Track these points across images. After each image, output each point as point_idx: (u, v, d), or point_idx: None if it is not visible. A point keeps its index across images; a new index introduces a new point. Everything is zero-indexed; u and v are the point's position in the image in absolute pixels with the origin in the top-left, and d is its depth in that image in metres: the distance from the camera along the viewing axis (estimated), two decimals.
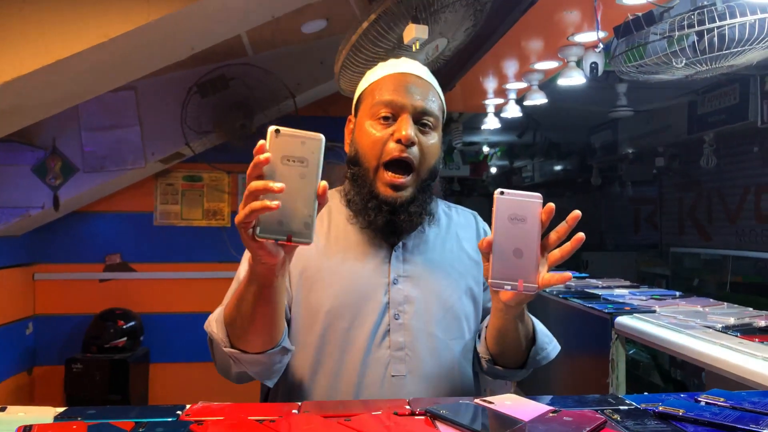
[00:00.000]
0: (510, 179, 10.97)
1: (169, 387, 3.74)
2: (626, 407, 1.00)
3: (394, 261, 1.25)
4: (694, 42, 1.75)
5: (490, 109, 3.85)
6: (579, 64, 2.60)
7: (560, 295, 2.55)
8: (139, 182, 3.65)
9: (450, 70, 3.00)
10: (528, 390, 1.01)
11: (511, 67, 2.94)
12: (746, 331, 1.71)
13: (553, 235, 1.01)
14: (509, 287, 0.98)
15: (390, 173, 1.20)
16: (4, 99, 1.77)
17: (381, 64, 1.31)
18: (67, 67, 1.72)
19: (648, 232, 8.18)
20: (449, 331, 1.25)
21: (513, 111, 3.46)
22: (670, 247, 6.80)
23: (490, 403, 0.99)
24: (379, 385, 1.19)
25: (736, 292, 5.35)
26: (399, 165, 1.20)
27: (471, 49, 2.53)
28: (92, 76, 1.99)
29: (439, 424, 0.92)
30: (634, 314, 2.06)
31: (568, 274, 1.01)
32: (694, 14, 1.72)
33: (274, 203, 0.86)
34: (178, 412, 1.00)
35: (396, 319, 1.22)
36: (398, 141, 1.18)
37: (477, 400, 1.00)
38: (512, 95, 3.41)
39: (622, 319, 2.02)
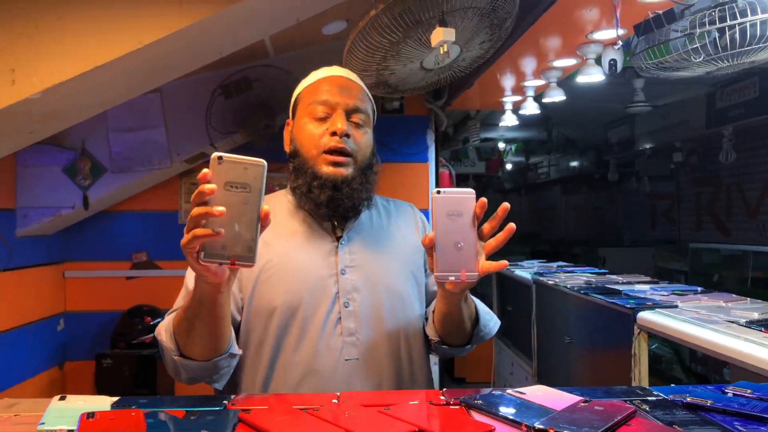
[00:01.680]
0: (525, 175, 10.96)
1: None
2: (654, 398, 1.04)
3: (340, 252, 1.34)
4: (715, 38, 1.77)
5: (508, 107, 3.87)
6: (598, 61, 2.62)
7: (581, 291, 2.58)
8: (165, 182, 3.72)
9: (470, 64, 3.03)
10: (550, 383, 1.05)
11: (529, 64, 2.97)
12: None
13: (486, 226, 1.11)
14: (453, 278, 1.07)
15: (331, 155, 1.30)
16: (45, 104, 1.83)
17: (314, 72, 1.42)
18: (103, 73, 1.78)
19: (665, 228, 8.15)
20: (396, 315, 1.34)
21: (531, 108, 3.49)
22: (689, 243, 6.77)
23: (522, 393, 1.04)
24: (333, 370, 1.27)
25: (757, 288, 5.32)
26: (338, 151, 1.31)
27: None
28: (126, 81, 2.06)
29: (474, 414, 0.96)
30: (657, 309, 2.08)
31: (504, 262, 1.09)
32: (715, 11, 1.74)
33: (218, 230, 0.92)
34: (224, 402, 1.05)
35: (346, 306, 1.30)
36: (333, 133, 1.30)
37: (509, 391, 1.05)
38: (530, 92, 3.44)
39: (645, 314, 2.05)
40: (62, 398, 1.01)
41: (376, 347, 1.31)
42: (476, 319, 1.35)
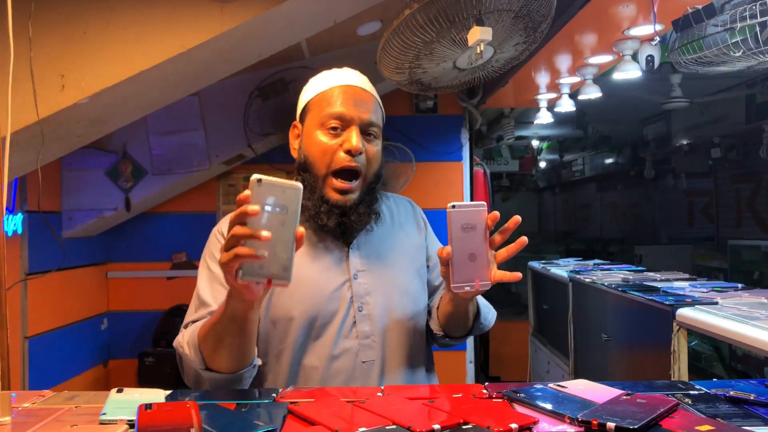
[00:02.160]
0: (559, 173, 10.85)
1: None
2: (696, 392, 1.04)
3: (351, 258, 1.36)
4: (756, 32, 1.75)
5: (543, 104, 3.85)
6: (635, 57, 2.60)
7: (619, 288, 2.56)
8: (203, 183, 3.80)
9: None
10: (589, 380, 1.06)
11: (564, 62, 2.95)
12: None
13: (497, 237, 1.17)
14: (468, 287, 1.15)
15: (339, 180, 1.30)
16: (93, 109, 1.90)
17: (325, 74, 1.39)
18: (148, 77, 1.84)
19: (703, 225, 7.98)
20: (406, 313, 1.38)
21: (566, 105, 3.46)
22: (728, 240, 6.63)
23: (564, 387, 1.05)
24: (351, 372, 1.30)
25: None
26: (347, 173, 1.31)
27: None
28: (169, 85, 2.12)
29: (516, 407, 0.98)
30: (696, 306, 2.06)
31: (518, 274, 1.14)
32: (756, 4, 1.72)
33: (261, 252, 0.93)
34: (273, 395, 1.09)
35: (360, 310, 1.33)
36: (347, 151, 1.28)
37: (551, 385, 1.06)
38: (566, 90, 3.41)
39: (684, 311, 2.02)
40: (119, 391, 1.06)
41: (390, 347, 1.35)
42: (477, 312, 1.39)
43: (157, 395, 1.06)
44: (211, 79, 2.34)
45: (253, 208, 0.92)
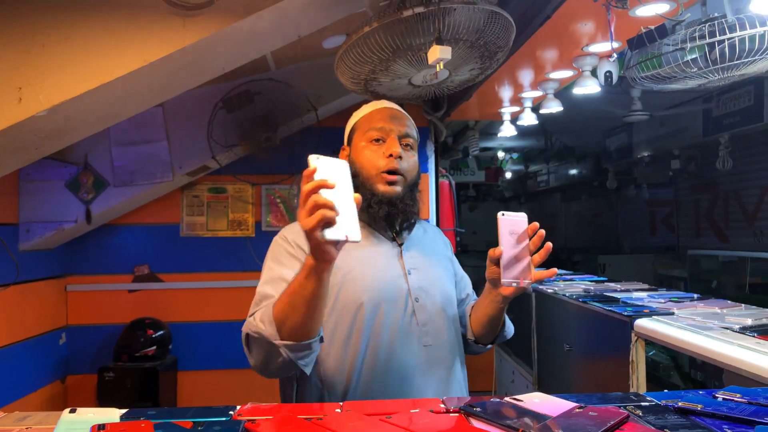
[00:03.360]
0: (525, 184, 11.00)
1: (196, 394, 3.83)
2: (647, 403, 1.07)
3: (405, 257, 1.56)
4: (705, 53, 1.81)
5: (506, 117, 3.92)
6: (594, 72, 2.66)
7: (580, 299, 2.61)
8: (166, 195, 3.75)
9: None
10: (551, 391, 1.08)
11: (526, 77, 3.01)
12: (764, 332, 1.77)
13: (532, 246, 1.36)
14: (515, 283, 1.33)
15: (386, 174, 1.51)
16: (51, 122, 1.87)
17: (365, 105, 1.63)
18: (109, 90, 1.81)
19: (665, 235, 8.17)
20: (448, 311, 1.57)
21: (529, 119, 3.53)
22: (688, 250, 6.80)
23: (520, 401, 1.07)
24: (414, 354, 1.46)
25: (756, 294, 5.35)
26: (392, 172, 1.52)
27: None
28: (131, 98, 2.09)
29: (473, 421, 1.00)
30: (653, 316, 2.11)
31: (554, 269, 1.37)
32: (705, 26, 1.78)
33: (335, 212, 1.09)
34: (231, 412, 1.08)
35: (417, 301, 1.51)
36: (389, 156, 1.51)
37: (507, 399, 1.08)
38: (528, 103, 3.48)
39: (642, 322, 2.07)
40: (72, 411, 1.04)
41: (443, 335, 1.52)
42: (503, 323, 1.59)
43: (111, 415, 1.04)
44: (175, 92, 2.32)
45: (332, 182, 1.09)
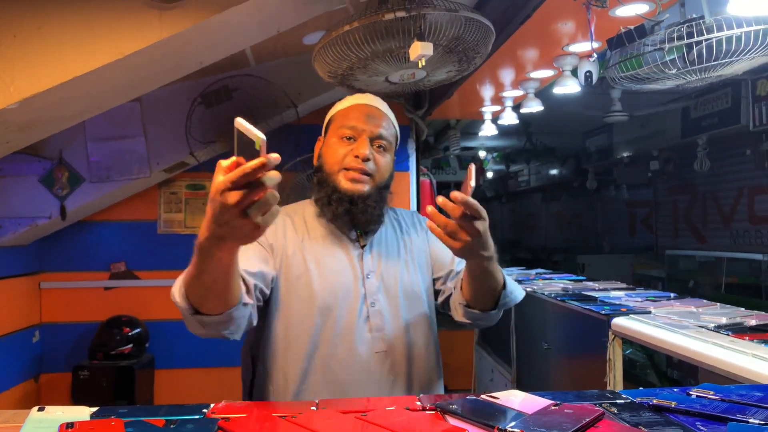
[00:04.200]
0: (506, 183, 11.06)
1: (173, 392, 3.79)
2: (623, 401, 1.07)
3: (365, 260, 1.52)
4: (684, 53, 1.83)
5: (487, 116, 3.93)
6: (574, 72, 2.68)
7: (558, 298, 2.62)
8: (143, 191, 3.70)
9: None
10: (529, 390, 1.08)
11: (507, 76, 3.02)
12: (737, 330, 1.79)
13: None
14: None
15: (350, 172, 1.48)
16: (23, 114, 1.83)
17: (348, 98, 1.60)
18: (82, 83, 1.78)
19: (643, 235, 8.26)
20: (412, 311, 1.53)
21: (510, 118, 3.54)
22: (666, 250, 6.89)
23: (496, 398, 1.06)
24: (367, 361, 1.44)
25: (731, 293, 5.43)
26: (356, 171, 1.48)
27: None
28: (106, 91, 2.06)
29: (449, 418, 0.99)
30: (630, 315, 2.12)
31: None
32: (683, 27, 1.80)
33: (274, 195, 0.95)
34: (204, 410, 1.06)
35: (372, 306, 1.48)
36: (356, 156, 1.47)
37: (483, 396, 1.07)
38: (509, 103, 3.49)
39: (619, 320, 2.09)
40: (41, 409, 1.01)
41: (399, 340, 1.49)
42: (503, 285, 1.46)
43: (81, 413, 1.02)
44: (151, 86, 2.28)
45: (273, 158, 0.90)
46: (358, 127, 1.50)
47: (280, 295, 1.46)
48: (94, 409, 1.06)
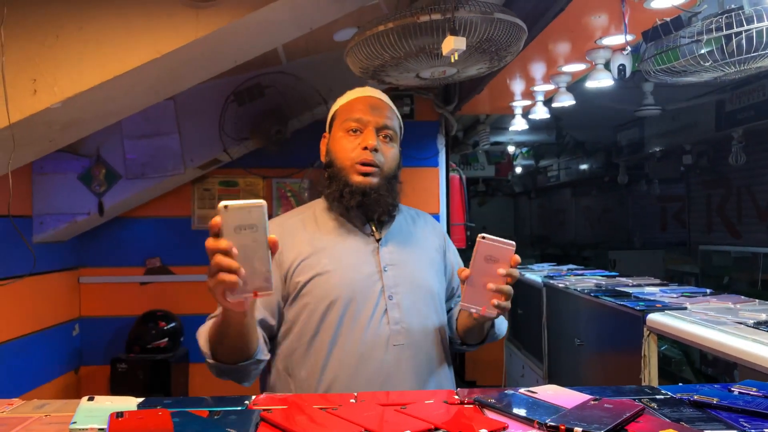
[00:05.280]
0: (535, 178, 10.97)
1: (207, 385, 3.85)
2: (662, 396, 1.06)
3: (382, 253, 1.51)
4: (722, 45, 1.80)
5: (518, 111, 3.90)
6: (607, 66, 2.65)
7: (592, 294, 2.60)
8: (178, 188, 3.76)
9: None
10: (563, 386, 1.08)
11: (538, 70, 3.00)
12: None
13: (509, 278, 1.31)
14: (474, 310, 1.29)
15: (361, 166, 1.48)
16: (66, 113, 1.88)
17: (349, 92, 1.59)
18: (122, 82, 1.82)
19: (676, 230, 8.12)
20: (428, 306, 1.53)
21: (541, 112, 3.51)
22: (699, 245, 6.76)
23: (534, 393, 1.06)
24: (383, 354, 1.44)
25: None
26: (366, 164, 1.48)
27: None
28: (143, 89, 2.10)
29: (487, 412, 1.00)
30: (666, 311, 2.10)
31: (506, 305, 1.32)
32: (722, 18, 1.77)
33: (242, 272, 1.04)
34: (246, 402, 1.09)
35: (390, 299, 1.48)
36: (365, 148, 1.47)
37: (521, 390, 1.08)
38: (540, 97, 3.46)
39: (654, 316, 2.06)
40: (90, 399, 1.05)
41: (417, 334, 1.48)
42: (492, 323, 1.53)
43: (128, 403, 1.05)
44: (187, 84, 2.32)
45: (226, 244, 1.02)
46: (363, 118, 1.50)
47: (299, 297, 1.46)
48: (140, 399, 1.09)
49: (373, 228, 1.54)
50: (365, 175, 1.47)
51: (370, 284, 1.47)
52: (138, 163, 3.33)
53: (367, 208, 1.49)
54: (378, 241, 1.53)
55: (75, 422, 0.94)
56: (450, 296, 1.65)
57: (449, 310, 1.63)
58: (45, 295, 3.33)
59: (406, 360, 1.45)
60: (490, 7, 1.60)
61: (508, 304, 1.31)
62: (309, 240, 1.49)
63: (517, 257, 1.29)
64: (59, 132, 2.10)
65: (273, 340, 1.48)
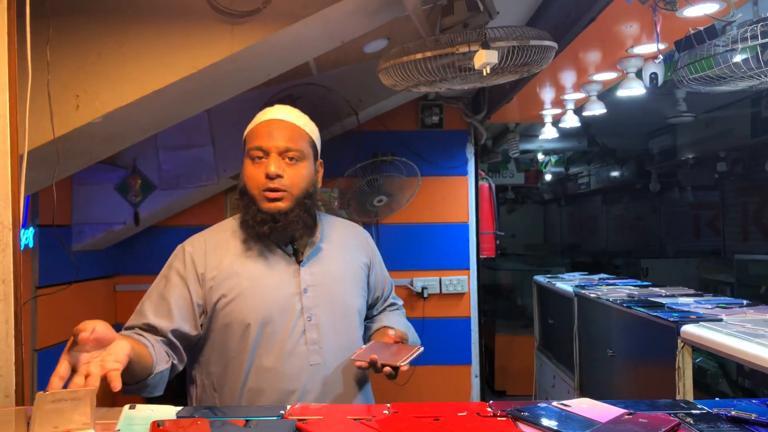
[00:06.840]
0: (565, 186, 10.85)
1: None
2: (698, 411, 1.06)
3: (302, 274, 1.56)
4: (757, 53, 1.78)
5: (548, 119, 3.88)
6: (638, 74, 2.63)
7: (624, 304, 2.57)
8: (211, 198, 3.83)
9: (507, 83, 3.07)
10: (593, 397, 1.07)
11: (569, 79, 2.99)
12: None
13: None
14: (361, 362, 1.42)
15: (268, 192, 1.51)
16: (107, 127, 1.94)
17: (258, 114, 1.62)
18: (160, 96, 1.88)
19: (710, 239, 7.95)
20: (347, 325, 1.60)
21: (571, 121, 3.49)
22: (735, 254, 6.61)
23: (567, 406, 1.07)
24: (300, 373, 1.50)
25: None
26: (272, 191, 1.52)
27: None
28: (180, 103, 2.16)
29: (521, 425, 1.00)
30: (701, 323, 2.07)
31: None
32: (757, 26, 1.75)
33: None
34: (281, 411, 1.11)
35: (309, 320, 1.53)
36: (266, 176, 1.50)
37: (555, 403, 1.08)
38: (570, 105, 3.44)
39: (689, 328, 2.04)
40: (132, 407, 1.09)
41: (334, 353, 1.55)
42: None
43: (168, 412, 1.08)
44: (222, 98, 2.38)
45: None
46: (264, 146, 1.52)
47: (219, 315, 1.51)
48: (179, 408, 1.12)
49: (295, 249, 1.58)
50: (273, 201, 1.51)
51: (288, 306, 1.52)
52: (172, 174, 3.40)
53: (279, 233, 1.53)
54: (299, 262, 1.57)
55: (119, 429, 0.97)
56: (373, 304, 1.76)
57: (371, 318, 1.76)
58: (84, 302, 3.41)
59: (321, 378, 1.51)
60: (524, 32, 1.61)
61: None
62: (230, 260, 1.53)
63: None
64: (100, 145, 2.16)
65: (194, 347, 1.55)
